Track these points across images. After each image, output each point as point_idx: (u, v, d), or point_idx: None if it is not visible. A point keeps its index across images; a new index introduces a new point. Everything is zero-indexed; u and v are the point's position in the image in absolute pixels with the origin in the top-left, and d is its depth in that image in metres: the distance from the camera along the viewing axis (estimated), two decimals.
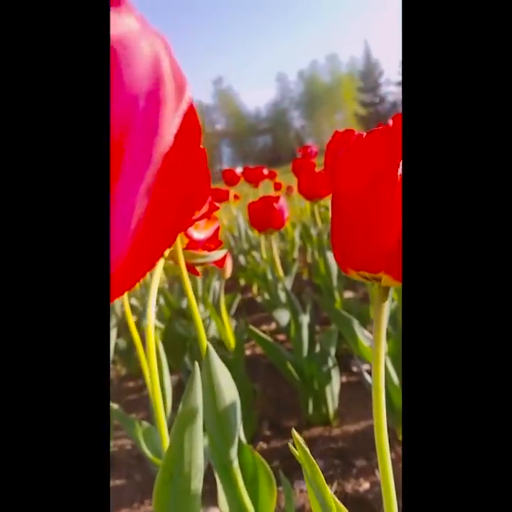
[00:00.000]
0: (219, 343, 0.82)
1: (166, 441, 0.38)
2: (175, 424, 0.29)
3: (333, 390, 0.70)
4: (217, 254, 0.42)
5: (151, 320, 0.36)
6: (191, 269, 0.42)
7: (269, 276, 1.13)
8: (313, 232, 1.58)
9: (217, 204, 0.42)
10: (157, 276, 0.36)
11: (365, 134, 0.20)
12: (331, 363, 0.68)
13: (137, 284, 1.33)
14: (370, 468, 0.62)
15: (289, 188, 1.98)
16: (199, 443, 0.30)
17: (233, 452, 0.39)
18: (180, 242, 0.37)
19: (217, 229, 0.43)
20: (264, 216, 0.69)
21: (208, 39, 55.37)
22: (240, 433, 0.42)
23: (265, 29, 56.63)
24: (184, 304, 0.98)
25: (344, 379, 0.86)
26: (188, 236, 0.39)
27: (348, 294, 1.27)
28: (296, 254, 1.67)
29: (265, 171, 1.72)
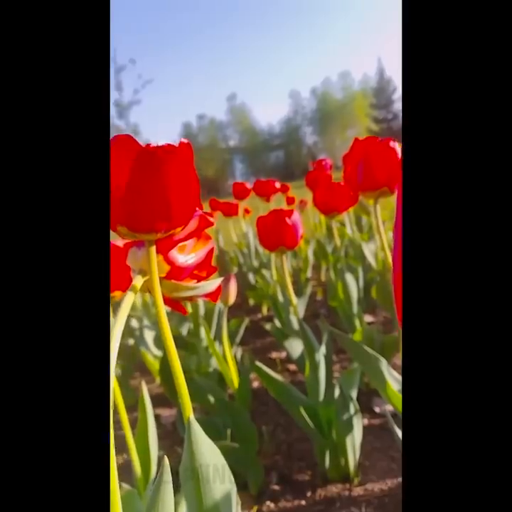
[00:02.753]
0: (220, 379, 0.71)
1: None
2: None
3: (354, 440, 0.59)
4: (210, 285, 0.31)
5: (112, 371, 0.26)
6: (175, 305, 0.32)
7: (280, 299, 1.02)
8: (329, 249, 1.47)
9: (211, 219, 0.32)
10: (123, 312, 0.26)
11: None
12: (352, 409, 0.57)
13: (137, 304, 1.23)
14: None
15: (302, 202, 1.87)
16: None
17: None
18: (156, 269, 0.27)
19: (211, 251, 0.32)
20: (275, 233, 0.59)
21: (222, 56, 56.14)
22: None
23: (279, 46, 57.27)
24: (185, 330, 0.87)
25: (365, 421, 0.74)
26: (169, 261, 0.29)
27: (367, 318, 1.16)
28: (309, 272, 1.56)
29: (277, 185, 1.62)
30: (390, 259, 0.51)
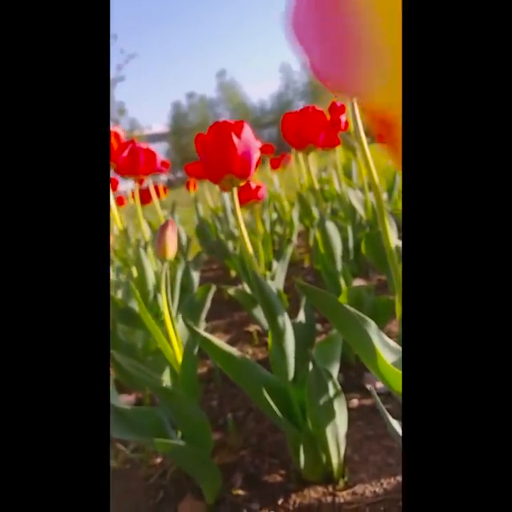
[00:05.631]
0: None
1: None
2: None
3: (337, 430, 0.44)
4: None
5: None
6: None
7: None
8: (315, 211, 1.32)
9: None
10: None
11: None
12: (331, 390, 0.42)
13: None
14: None
15: (286, 157, 1.67)
16: None
17: None
18: None
19: None
20: (219, 155, 0.43)
21: (210, 32, 54.56)
22: None
23: (267, 20, 55.71)
24: (134, 303, 0.72)
25: (355, 402, 0.60)
26: None
27: (358, 283, 1.01)
28: (295, 239, 1.40)
29: (258, 143, 1.45)
30: (376, 180, 0.35)
